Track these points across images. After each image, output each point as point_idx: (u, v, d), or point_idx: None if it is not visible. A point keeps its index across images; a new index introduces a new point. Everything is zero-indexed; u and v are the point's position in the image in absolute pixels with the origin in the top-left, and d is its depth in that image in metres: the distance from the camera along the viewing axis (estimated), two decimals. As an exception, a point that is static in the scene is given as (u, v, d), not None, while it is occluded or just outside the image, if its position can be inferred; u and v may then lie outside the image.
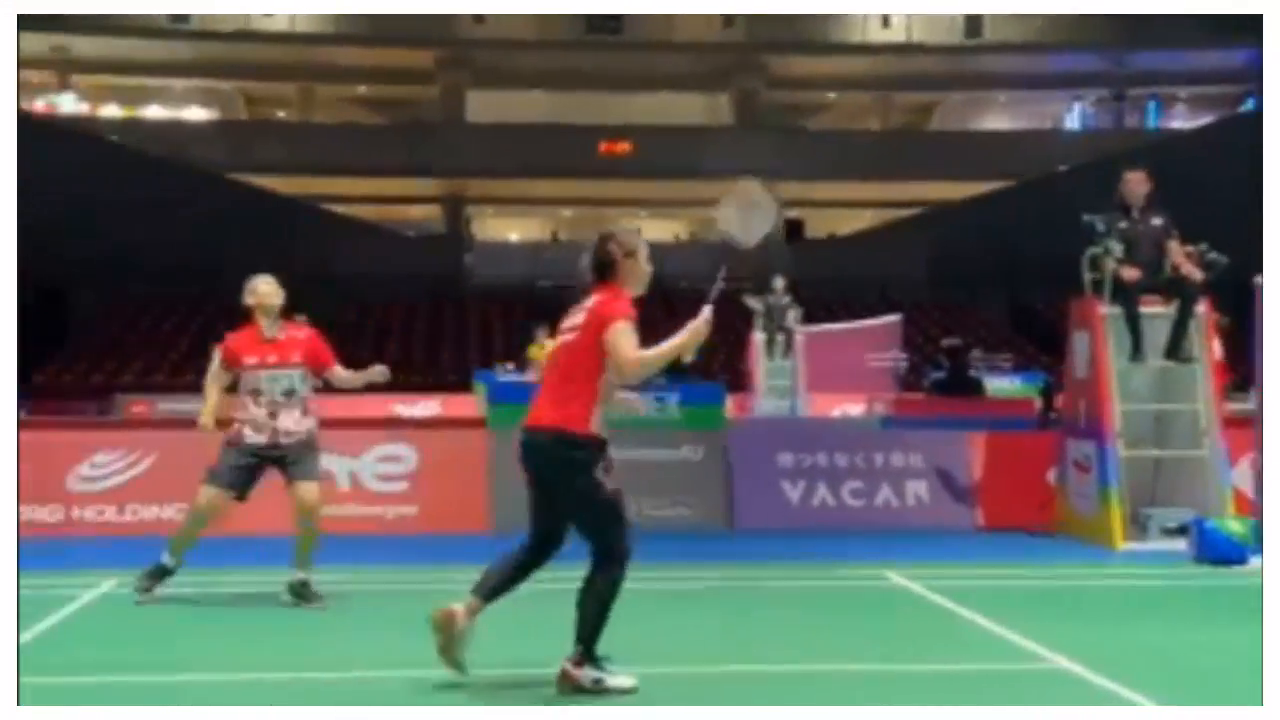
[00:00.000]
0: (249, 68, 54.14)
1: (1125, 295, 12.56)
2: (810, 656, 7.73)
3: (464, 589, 9.89)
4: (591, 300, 6.86)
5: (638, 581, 9.55)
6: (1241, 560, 11.12)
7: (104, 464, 13.10)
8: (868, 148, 53.37)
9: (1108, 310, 12.73)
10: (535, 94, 54.67)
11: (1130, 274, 12.51)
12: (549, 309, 42.34)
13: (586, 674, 6.76)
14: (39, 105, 52.00)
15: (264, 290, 9.67)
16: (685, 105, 55.76)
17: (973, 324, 39.94)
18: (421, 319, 42.13)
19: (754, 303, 23.13)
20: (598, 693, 6.74)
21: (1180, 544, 11.76)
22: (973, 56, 54.45)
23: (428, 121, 54.37)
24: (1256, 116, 40.63)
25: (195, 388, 32.36)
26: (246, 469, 9.45)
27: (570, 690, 6.75)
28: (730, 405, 18.17)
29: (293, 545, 9.53)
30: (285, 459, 9.48)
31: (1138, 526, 12.38)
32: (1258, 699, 6.18)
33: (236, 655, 7.77)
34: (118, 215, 37.77)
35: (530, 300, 41.69)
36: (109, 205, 38.02)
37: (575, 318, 6.92)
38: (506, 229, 59.22)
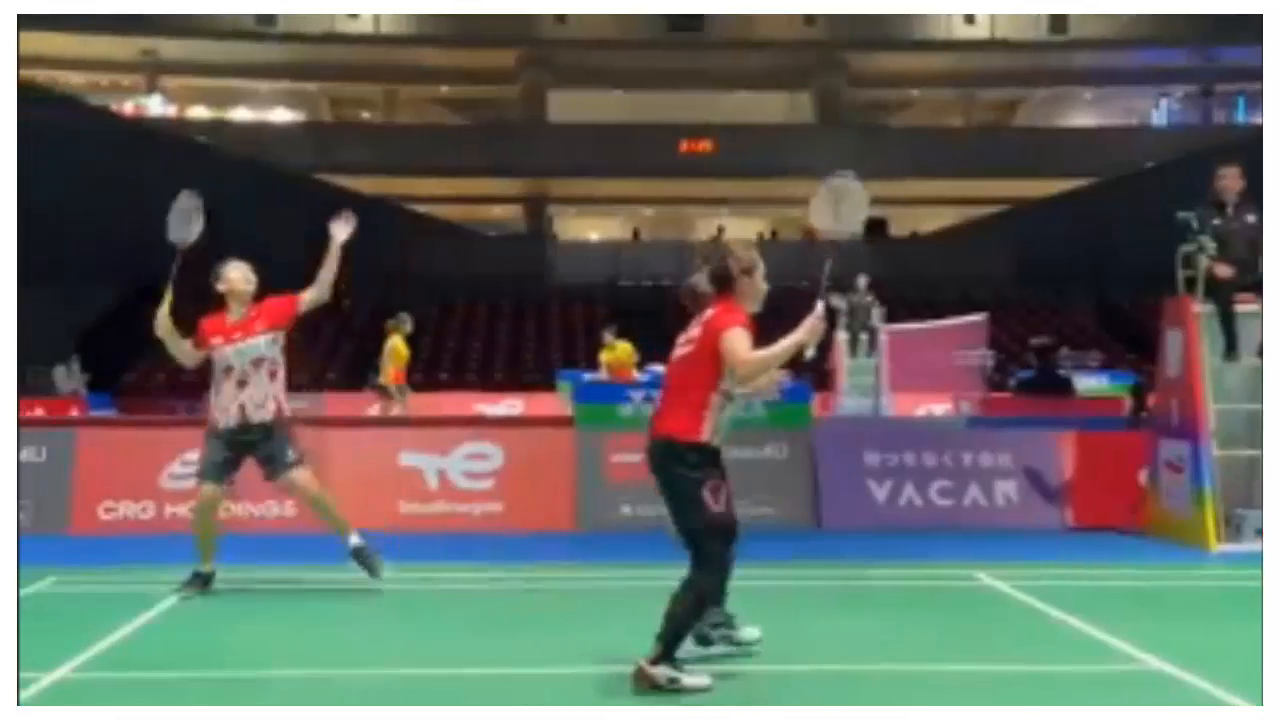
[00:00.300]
0: (334, 69, 54.66)
1: (1219, 293, 12.40)
2: (898, 657, 7.69)
3: (549, 587, 9.97)
4: (707, 314, 7.07)
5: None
6: (1339, 562, 10.92)
7: (194, 462, 13.17)
8: (951, 145, 53.02)
9: (1201, 308, 12.56)
10: (616, 93, 54.80)
11: (1224, 271, 12.34)
12: (630, 308, 42.48)
13: (662, 672, 6.79)
14: (128, 108, 52.78)
15: (234, 277, 9.95)
16: (766, 104, 55.66)
17: (1059, 323, 39.54)
18: (504, 318, 42.31)
19: (837, 301, 23.04)
20: (673, 691, 6.75)
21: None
22: (1057, 53, 53.92)
23: (509, 121, 54.65)
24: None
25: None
26: (225, 462, 9.66)
27: (645, 688, 6.77)
28: (814, 404, 18.11)
29: (326, 524, 9.91)
30: (257, 448, 9.69)
31: (1232, 527, 12.20)
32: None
33: (324, 652, 7.82)
34: (207, 217, 38.11)
35: (611, 299, 41.79)
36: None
37: (691, 331, 7.15)
38: (587, 228, 59.37)
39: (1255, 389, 12.63)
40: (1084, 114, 58.89)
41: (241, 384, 9.62)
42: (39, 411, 24.05)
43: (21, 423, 18.99)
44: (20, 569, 9.86)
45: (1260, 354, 12.39)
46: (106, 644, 7.84)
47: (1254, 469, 12.62)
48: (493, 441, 13.76)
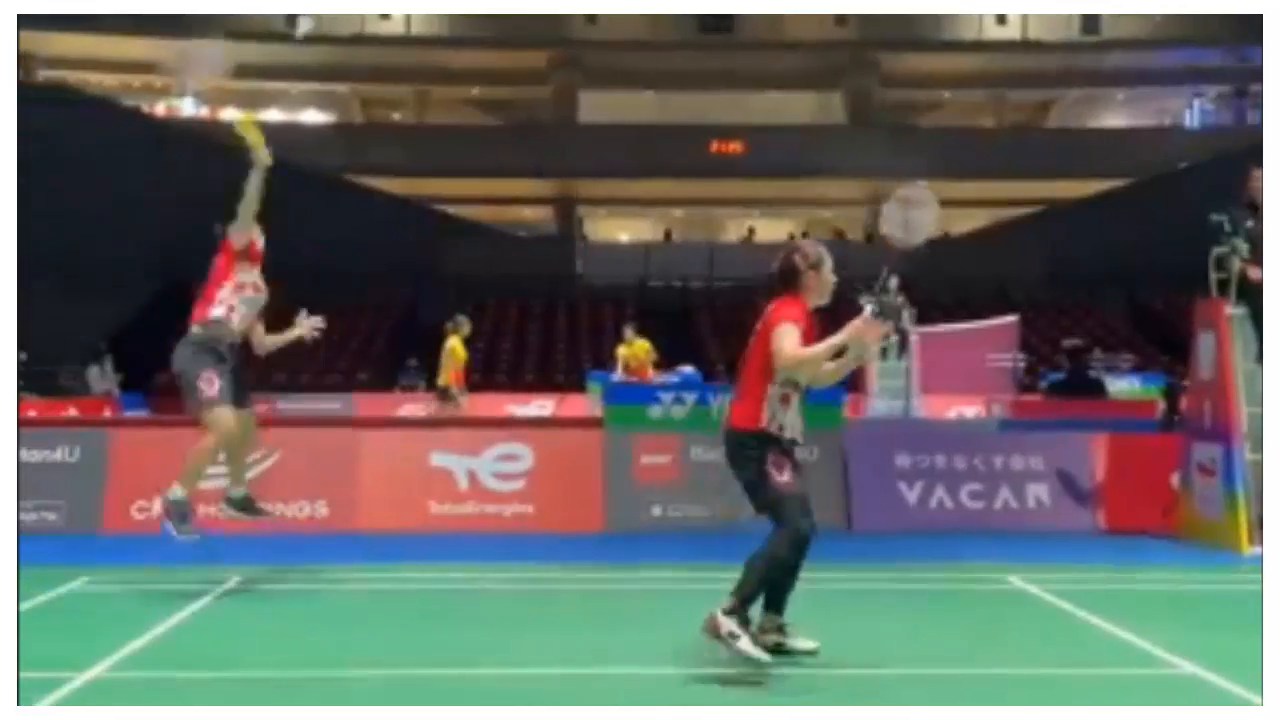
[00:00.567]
0: (365, 71, 54.76)
1: (1252, 295, 12.33)
2: (927, 659, 7.68)
3: (577, 588, 9.99)
4: (769, 308, 7.35)
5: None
6: (1373, 566, 10.86)
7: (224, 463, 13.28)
8: (982, 146, 52.79)
9: (1234, 310, 12.50)
10: (647, 94, 54.79)
11: (1257, 274, 12.27)
12: (659, 309, 42.42)
13: (726, 624, 7.03)
14: (160, 109, 53.03)
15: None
16: (797, 104, 55.57)
17: (1091, 325, 39.38)
18: (534, 319, 42.38)
19: (867, 303, 22.92)
20: (728, 643, 6.99)
21: (1309, 549, 11.52)
22: (1090, 53, 53.65)
23: (540, 122, 54.69)
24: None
25: (315, 387, 32.50)
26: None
27: (711, 634, 7.04)
28: (845, 406, 18.06)
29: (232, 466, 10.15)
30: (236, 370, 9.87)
31: (1265, 531, 12.13)
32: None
33: (357, 651, 7.84)
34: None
35: (641, 300, 41.79)
36: (228, 207, 38.59)
37: (758, 325, 7.42)
38: (618, 229, 59.39)
39: (1289, 392, 12.58)
40: (1116, 115, 58.60)
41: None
42: (72, 412, 24.19)
43: (54, 423, 19.15)
44: (53, 568, 9.99)
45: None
46: (141, 643, 7.88)
47: (1287, 472, 12.56)
48: (523, 442, 13.78)
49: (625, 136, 50.34)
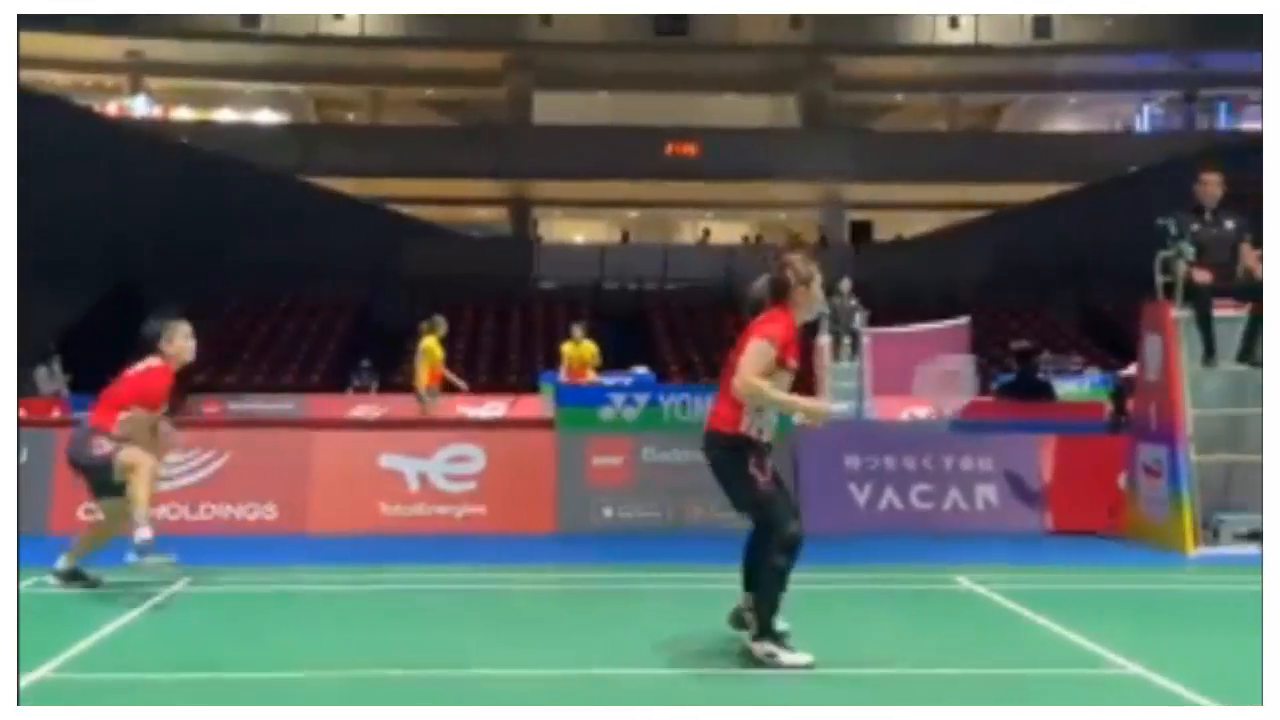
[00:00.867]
0: (319, 71, 54.58)
1: (1198, 298, 12.45)
2: (878, 660, 7.72)
3: (529, 589, 10.01)
4: (756, 319, 7.52)
5: (703, 583, 9.61)
6: (1315, 566, 10.99)
7: (177, 463, 13.22)
8: (935, 150, 53.07)
9: (1180, 313, 12.62)
10: (602, 96, 54.78)
11: (1202, 277, 12.39)
12: (614, 310, 42.30)
13: (759, 649, 7.32)
14: (112, 109, 52.67)
15: (190, 347, 10.00)
16: (752, 107, 55.70)
17: (1041, 327, 39.60)
18: (488, 320, 42.31)
19: (820, 305, 22.99)
20: (771, 664, 7.22)
21: (1253, 549, 11.65)
22: (1041, 57, 54.00)
23: (495, 123, 54.57)
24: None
25: (266, 388, 32.26)
26: None
27: (751, 663, 7.29)
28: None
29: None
30: None
31: (1209, 532, 12.27)
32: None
33: (305, 652, 7.84)
34: (190, 217, 38.23)
35: (596, 302, 41.79)
36: (181, 207, 38.50)
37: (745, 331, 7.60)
38: (573, 231, 59.36)
39: (1233, 394, 12.72)
40: (1068, 119, 59.03)
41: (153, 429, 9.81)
42: (20, 413, 23.95)
43: (3, 423, 18.97)
44: (-1, 570, 9.91)
45: (1239, 359, 12.46)
46: (87, 644, 7.85)
47: (1231, 474, 12.71)
48: (474, 444, 13.79)
49: (580, 138, 50.29)
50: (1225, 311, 12.53)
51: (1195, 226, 12.54)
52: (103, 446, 9.52)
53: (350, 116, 58.63)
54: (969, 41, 54.05)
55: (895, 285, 38.72)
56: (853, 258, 43.15)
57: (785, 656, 7.25)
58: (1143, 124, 57.79)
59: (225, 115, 56.12)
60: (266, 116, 56.79)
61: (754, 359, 7.33)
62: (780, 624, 7.47)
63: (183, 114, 55.17)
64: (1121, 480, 13.45)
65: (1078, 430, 15.74)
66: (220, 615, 9.05)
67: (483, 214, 58.29)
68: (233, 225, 39.63)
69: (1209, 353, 12.45)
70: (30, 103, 43.93)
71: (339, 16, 52.80)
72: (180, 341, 9.87)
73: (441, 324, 21.65)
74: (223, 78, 54.70)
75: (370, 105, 57.46)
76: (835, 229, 53.77)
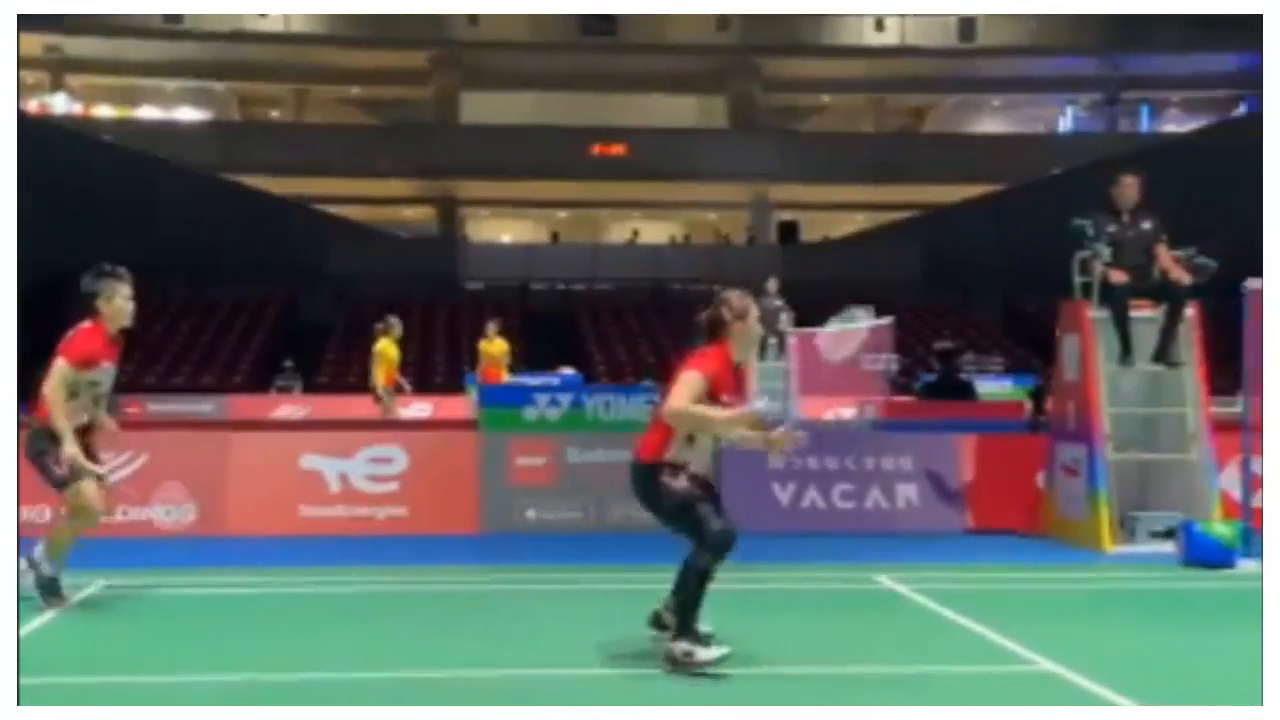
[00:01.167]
0: (242, 68, 54.12)
1: (1114, 299, 12.58)
2: (798, 659, 7.75)
3: (453, 589, 9.97)
4: (694, 353, 7.56)
5: (627, 583, 9.61)
6: (1229, 564, 11.15)
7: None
8: (862, 150, 53.37)
9: (1096, 314, 12.74)
10: (528, 95, 54.66)
11: (1118, 277, 12.51)
12: (542, 311, 42.12)
13: (677, 649, 7.28)
14: (32, 105, 51.98)
15: (129, 308, 9.35)
16: (679, 107, 55.79)
17: (965, 327, 39.94)
18: (414, 320, 42.11)
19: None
20: (687, 665, 7.18)
21: (1168, 547, 11.79)
22: (966, 60, 54.50)
23: (421, 123, 54.33)
24: (1249, 120, 40.70)
25: (186, 388, 31.90)
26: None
27: (670, 665, 7.25)
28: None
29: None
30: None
31: (1126, 530, 12.40)
32: (1241, 701, 6.20)
33: (220, 655, 7.76)
34: (110, 215, 37.77)
35: (524, 302, 41.71)
36: (102, 205, 38.04)
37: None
38: (500, 231, 59.23)
39: (1149, 394, 12.88)
40: (992, 120, 59.58)
41: (96, 401, 9.32)
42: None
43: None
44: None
45: (1155, 359, 12.60)
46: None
47: (1147, 472, 12.87)
48: (396, 444, 13.69)
49: (507, 137, 50.16)
50: (1142, 312, 12.67)
51: (1112, 228, 12.65)
52: (61, 468, 9.08)
53: (274, 114, 58.19)
54: (895, 43, 54.43)
55: (822, 285, 38.88)
56: (780, 258, 43.34)
57: (701, 653, 7.24)
58: (1066, 126, 58.44)
59: (147, 113, 55.51)
60: (189, 114, 56.25)
61: (684, 388, 7.35)
62: (704, 627, 7.46)
63: (104, 111, 54.53)
64: (1040, 479, 13.57)
65: (998, 429, 15.85)
66: (138, 618, 8.94)
67: (409, 213, 58.04)
68: (155, 224, 39.23)
69: (1126, 352, 12.57)
70: (-53, 99, 43.41)
71: (263, 15, 52.36)
72: (119, 302, 9.22)
73: (396, 326, 21.66)
74: (145, 75, 54.16)
75: (295, 103, 57.08)
76: (763, 229, 53.96)
